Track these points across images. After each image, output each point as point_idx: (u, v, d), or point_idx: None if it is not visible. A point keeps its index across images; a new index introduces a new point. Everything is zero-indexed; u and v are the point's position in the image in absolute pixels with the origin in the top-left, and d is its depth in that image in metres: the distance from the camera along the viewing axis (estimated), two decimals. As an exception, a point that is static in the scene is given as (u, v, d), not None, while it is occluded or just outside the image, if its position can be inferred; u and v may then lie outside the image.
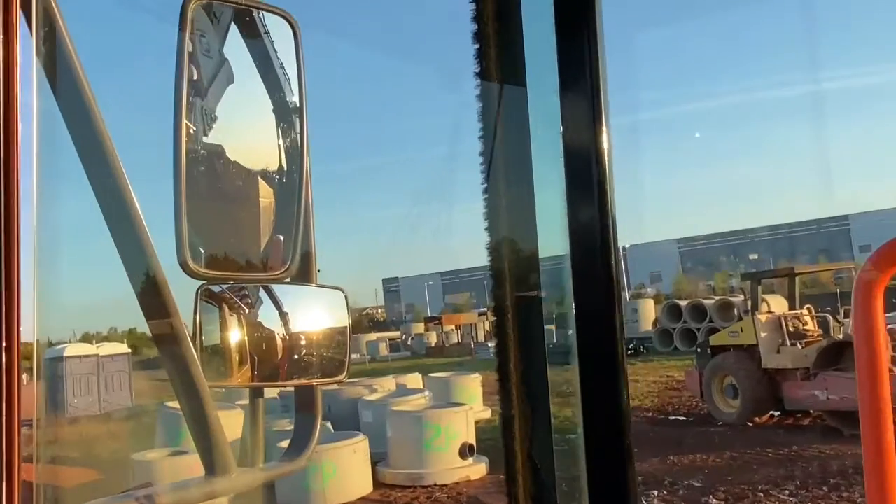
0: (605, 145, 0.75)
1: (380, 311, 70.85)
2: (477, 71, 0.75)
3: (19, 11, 0.68)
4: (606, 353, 0.74)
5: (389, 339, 44.02)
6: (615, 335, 0.74)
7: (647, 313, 30.92)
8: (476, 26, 0.74)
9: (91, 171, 1.18)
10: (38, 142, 0.77)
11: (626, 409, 0.75)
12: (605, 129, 0.75)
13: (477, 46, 0.75)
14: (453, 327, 44.19)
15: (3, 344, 0.63)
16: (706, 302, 28.17)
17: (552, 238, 0.82)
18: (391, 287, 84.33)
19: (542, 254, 0.81)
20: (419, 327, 46.82)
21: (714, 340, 16.26)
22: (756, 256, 63.48)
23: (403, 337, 46.04)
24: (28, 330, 0.69)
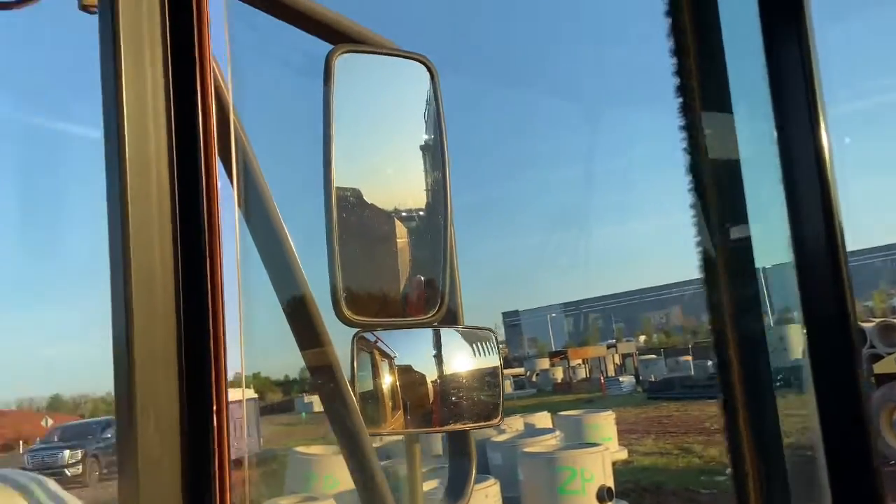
0: (825, 143, 0.71)
1: (502, 346, 70.84)
2: (676, 79, 0.73)
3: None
4: (845, 372, 0.69)
5: (514, 376, 43.79)
6: (853, 353, 0.69)
7: (796, 340, 29.28)
8: (674, 38, 0.73)
9: (256, 233, 1.25)
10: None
11: (871, 438, 0.69)
12: (822, 124, 0.71)
13: (676, 58, 0.73)
14: (580, 361, 43.44)
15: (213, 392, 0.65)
16: (865, 325, 26.45)
17: (768, 248, 0.78)
18: (512, 321, 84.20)
19: (758, 264, 0.78)
20: (544, 362, 46.35)
21: (879, 368, 15.28)
22: (920, 272, 59.27)
23: (528, 373, 45.73)
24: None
